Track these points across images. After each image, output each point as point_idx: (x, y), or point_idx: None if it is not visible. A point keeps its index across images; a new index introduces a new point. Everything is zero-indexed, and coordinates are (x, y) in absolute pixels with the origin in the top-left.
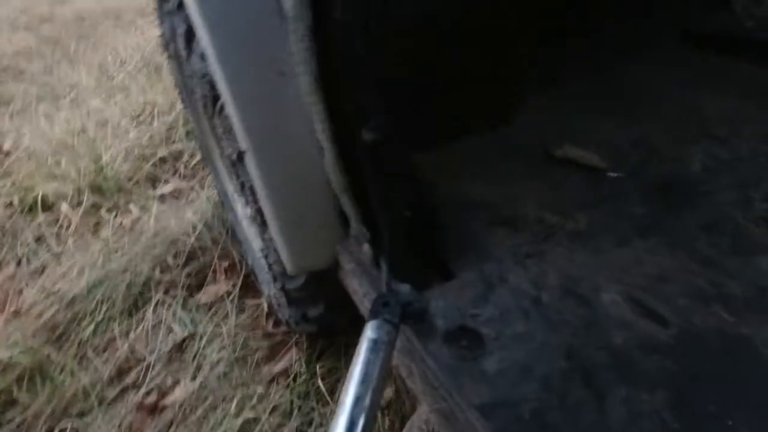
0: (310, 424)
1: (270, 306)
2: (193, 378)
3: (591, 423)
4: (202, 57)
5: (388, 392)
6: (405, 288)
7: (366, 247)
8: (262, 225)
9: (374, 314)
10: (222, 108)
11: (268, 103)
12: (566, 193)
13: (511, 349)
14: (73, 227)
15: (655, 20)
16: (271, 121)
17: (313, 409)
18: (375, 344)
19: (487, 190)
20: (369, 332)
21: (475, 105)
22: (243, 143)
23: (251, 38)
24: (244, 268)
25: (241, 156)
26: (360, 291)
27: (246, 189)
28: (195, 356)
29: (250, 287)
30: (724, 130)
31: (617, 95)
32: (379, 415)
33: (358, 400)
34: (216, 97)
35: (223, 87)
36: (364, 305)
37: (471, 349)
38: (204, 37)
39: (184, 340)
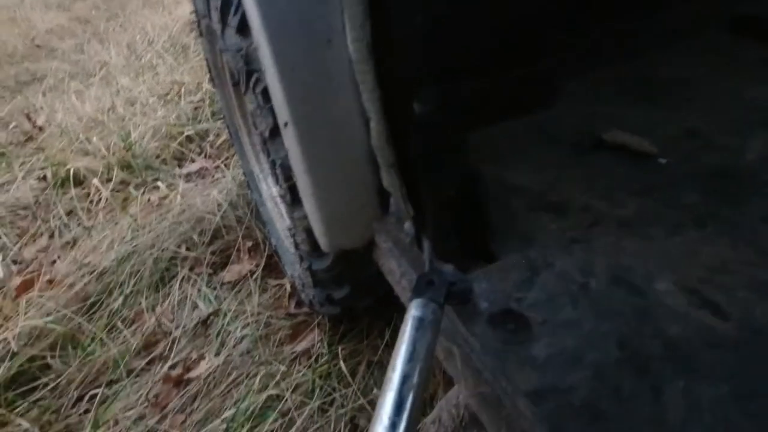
0: (331, 404)
1: (293, 287)
2: (218, 353)
3: (647, 415)
4: (238, 30)
5: None
6: (448, 268)
7: (408, 225)
8: (293, 204)
9: (418, 293)
10: (256, 83)
11: (313, 73)
12: (614, 179)
13: (559, 335)
14: (103, 202)
15: (697, 6)
16: (315, 91)
17: (334, 389)
18: (420, 323)
19: (531, 174)
20: (414, 311)
21: (517, 88)
22: (284, 115)
23: (298, 4)
24: (267, 248)
25: (273, 132)
26: (397, 271)
27: (277, 167)
28: (219, 332)
29: (273, 268)
30: None
31: (661, 82)
32: None
33: (406, 378)
34: (250, 72)
35: (266, 55)
36: (401, 285)
37: (517, 334)
38: (248, 4)
39: (208, 317)
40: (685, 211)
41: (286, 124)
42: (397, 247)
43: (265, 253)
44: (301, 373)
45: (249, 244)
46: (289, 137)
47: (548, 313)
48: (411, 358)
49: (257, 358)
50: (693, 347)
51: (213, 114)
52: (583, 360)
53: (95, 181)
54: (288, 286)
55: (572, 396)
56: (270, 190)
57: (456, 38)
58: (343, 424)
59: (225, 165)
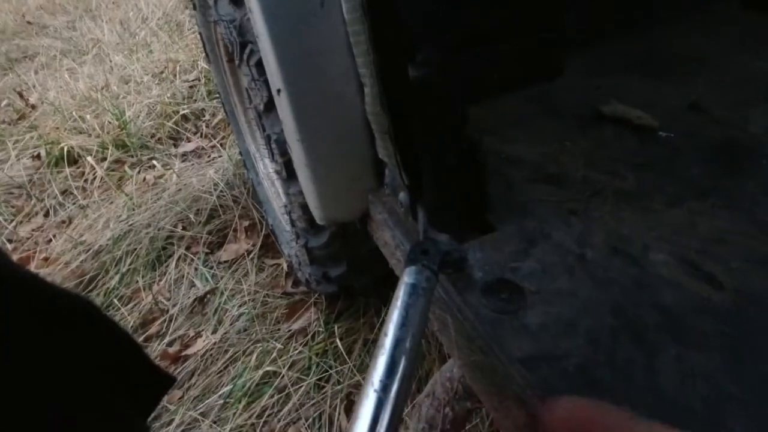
0: (327, 380)
1: (290, 266)
2: (215, 331)
3: (641, 381)
4: (231, 0)
5: None
6: (443, 237)
7: (403, 195)
8: (288, 179)
9: (412, 260)
10: (250, 55)
11: (306, 36)
12: (614, 151)
13: (554, 304)
14: (98, 181)
15: None
16: (308, 56)
17: (331, 367)
18: (414, 289)
19: (530, 146)
20: (407, 277)
21: (516, 59)
22: (277, 81)
23: None
24: (264, 228)
25: (268, 105)
26: (392, 243)
27: (272, 142)
28: (216, 311)
29: (269, 248)
30: None
31: (667, 56)
32: None
33: (398, 342)
34: (244, 44)
35: (257, 20)
36: (396, 257)
37: (511, 302)
38: None
39: (205, 295)
40: (685, 183)
41: (279, 92)
42: (391, 219)
43: (262, 233)
44: (297, 351)
45: (246, 223)
46: (283, 105)
47: (543, 283)
48: (404, 323)
49: (254, 335)
50: (688, 316)
51: (209, 93)
52: (578, 328)
53: (90, 159)
54: (285, 266)
55: (565, 362)
56: (266, 169)
57: (455, 2)
58: (339, 400)
59: (221, 144)
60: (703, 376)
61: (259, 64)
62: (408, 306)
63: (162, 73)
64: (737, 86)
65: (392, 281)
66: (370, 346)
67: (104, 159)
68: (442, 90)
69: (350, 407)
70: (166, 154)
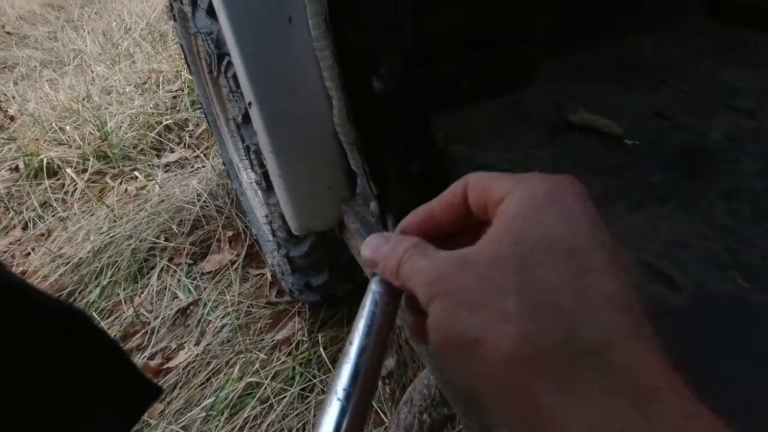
0: (311, 390)
1: (273, 275)
2: (197, 343)
3: None
4: (208, 13)
5: (390, 362)
6: None
7: (373, 204)
8: (267, 190)
9: None
10: (228, 67)
11: (275, 51)
12: (581, 159)
13: None
14: (78, 193)
15: None
16: (278, 69)
17: (314, 376)
18: (380, 296)
19: (500, 153)
20: (374, 286)
21: (489, 68)
22: (248, 94)
23: None
24: (248, 238)
25: (246, 117)
26: None
27: (251, 152)
28: (198, 322)
29: (254, 257)
30: (749, 102)
31: (635, 65)
32: (380, 383)
33: (362, 350)
34: (221, 56)
35: (228, 33)
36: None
37: None
38: None
39: (188, 306)
40: (647, 189)
41: (250, 104)
42: (364, 228)
43: (246, 243)
44: (281, 361)
45: (229, 234)
46: (255, 118)
47: None
48: (368, 332)
49: (237, 346)
50: (645, 317)
51: (192, 103)
52: None
53: (69, 171)
54: (269, 275)
55: None
56: (249, 179)
57: (422, 14)
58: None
59: (204, 155)
60: None
61: (236, 76)
62: (373, 315)
63: (145, 83)
64: (700, 93)
65: None
66: None
67: (85, 170)
68: (405, 101)
69: None
70: (148, 165)
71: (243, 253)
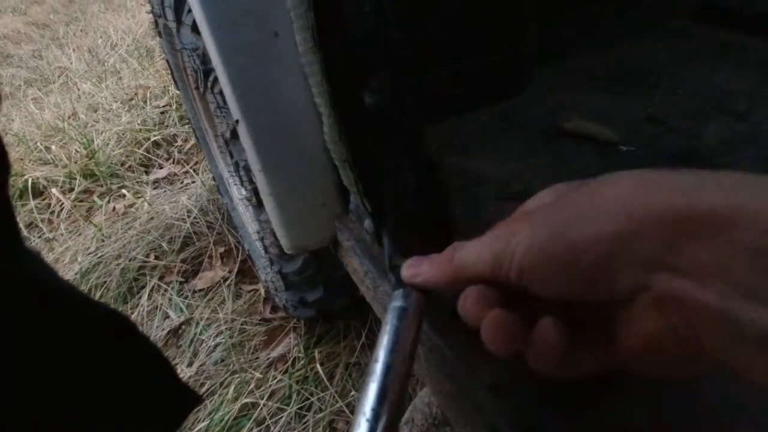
0: (308, 408)
1: (267, 291)
2: (190, 363)
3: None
4: (193, 29)
5: None
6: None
7: (367, 222)
8: (258, 206)
9: (401, 283)
10: (214, 83)
11: (261, 67)
12: (577, 166)
13: None
14: (65, 213)
15: None
16: (264, 86)
17: (312, 394)
18: (404, 312)
19: (495, 164)
20: (395, 301)
21: (480, 76)
22: (235, 112)
23: None
24: (240, 253)
25: (234, 133)
26: (360, 270)
27: (240, 169)
28: (191, 342)
29: (246, 273)
30: (742, 105)
31: (627, 70)
32: None
33: (389, 368)
34: (207, 72)
35: (212, 50)
36: (365, 285)
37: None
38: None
39: (180, 326)
40: None
41: (237, 122)
42: (359, 245)
43: (239, 258)
44: (276, 380)
45: (221, 250)
46: (243, 135)
47: None
48: (393, 348)
49: (231, 366)
50: None
51: (181, 118)
52: None
53: (55, 191)
54: (263, 291)
55: (536, 387)
56: (240, 194)
57: (410, 26)
58: (321, 428)
59: (194, 170)
60: None
61: (223, 92)
62: (398, 330)
63: (132, 99)
64: (692, 98)
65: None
66: (352, 370)
67: (71, 189)
68: (396, 114)
69: None
70: (137, 182)
71: (236, 269)
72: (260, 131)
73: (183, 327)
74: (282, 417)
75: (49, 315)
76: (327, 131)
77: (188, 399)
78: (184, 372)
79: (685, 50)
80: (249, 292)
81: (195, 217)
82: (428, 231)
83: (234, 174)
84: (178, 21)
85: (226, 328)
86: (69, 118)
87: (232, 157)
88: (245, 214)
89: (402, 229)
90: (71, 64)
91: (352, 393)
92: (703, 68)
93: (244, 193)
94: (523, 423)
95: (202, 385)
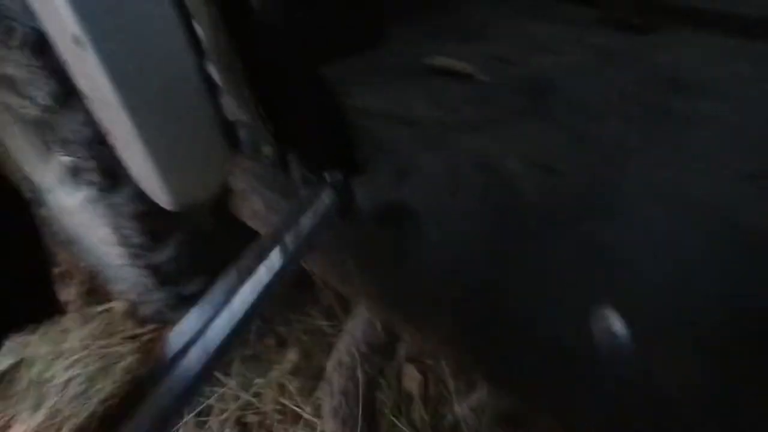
0: (208, 413)
1: (130, 303)
2: (36, 409)
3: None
4: None
5: (293, 355)
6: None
7: (268, 148)
8: (109, 188)
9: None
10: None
11: None
12: (449, 93)
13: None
14: None
15: None
16: None
17: (208, 397)
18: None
19: (374, 97)
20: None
21: (345, 25)
22: (72, 26)
23: None
24: (78, 273)
25: (60, 99)
26: (263, 208)
27: (73, 143)
28: (28, 386)
29: (92, 293)
30: (559, 46)
31: (473, 24)
32: (287, 381)
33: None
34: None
35: None
36: (270, 222)
37: (403, 226)
38: None
39: (6, 372)
40: (505, 108)
41: (78, 42)
42: (257, 181)
43: (75, 280)
44: None
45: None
46: (88, 65)
47: (426, 203)
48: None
49: (100, 393)
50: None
51: None
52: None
53: None
54: (122, 306)
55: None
56: (67, 198)
57: None
58: (229, 429)
59: None
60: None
61: (41, 52)
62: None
63: None
64: (524, 42)
65: None
66: (249, 362)
67: None
68: (288, 27)
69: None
70: None
71: (74, 292)
72: (112, 54)
73: (11, 373)
74: (179, 431)
75: None
76: (216, 48)
77: (48, 305)
78: (31, 420)
79: (516, 7)
80: (101, 312)
81: None
82: (332, 150)
83: (62, 156)
84: None
85: (80, 358)
86: None
87: (54, 132)
88: (82, 222)
89: (309, 147)
90: None
91: (256, 380)
92: (528, 21)
93: (81, 184)
94: None
95: (62, 425)
